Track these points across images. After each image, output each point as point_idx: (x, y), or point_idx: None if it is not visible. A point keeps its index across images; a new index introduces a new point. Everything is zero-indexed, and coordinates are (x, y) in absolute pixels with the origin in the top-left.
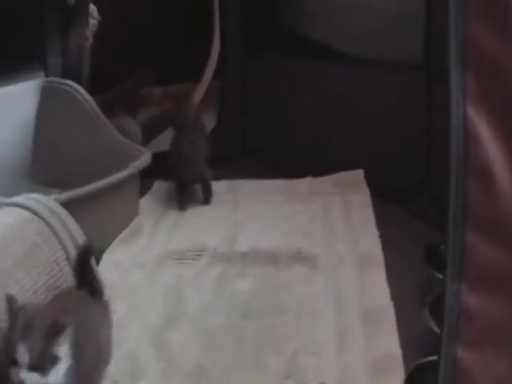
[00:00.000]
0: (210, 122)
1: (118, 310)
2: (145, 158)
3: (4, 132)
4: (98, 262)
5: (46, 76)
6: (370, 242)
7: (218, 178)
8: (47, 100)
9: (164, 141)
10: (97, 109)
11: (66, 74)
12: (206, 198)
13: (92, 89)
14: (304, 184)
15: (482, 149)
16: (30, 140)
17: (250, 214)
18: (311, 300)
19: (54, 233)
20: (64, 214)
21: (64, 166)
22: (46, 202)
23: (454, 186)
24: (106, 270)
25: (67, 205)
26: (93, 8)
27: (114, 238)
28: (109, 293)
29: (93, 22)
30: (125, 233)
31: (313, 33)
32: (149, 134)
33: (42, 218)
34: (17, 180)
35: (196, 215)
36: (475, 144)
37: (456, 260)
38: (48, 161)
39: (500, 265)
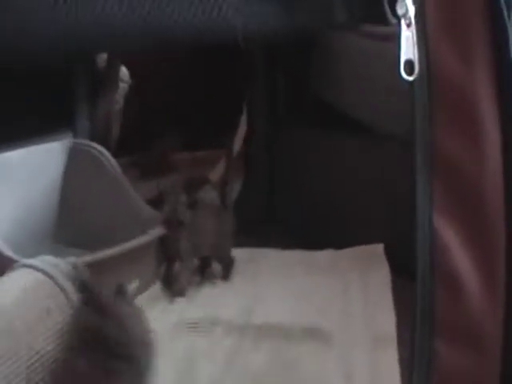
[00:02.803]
0: (236, 186)
1: None
2: None
3: (30, 191)
4: None
5: (74, 138)
6: (386, 322)
7: (240, 244)
8: (73, 161)
9: None
10: (120, 173)
11: (93, 136)
12: (226, 275)
13: (121, 150)
14: (324, 257)
15: (450, 258)
16: (55, 200)
17: (269, 286)
18: (322, 379)
19: (67, 297)
20: (79, 278)
21: (87, 227)
22: (60, 265)
23: (420, 294)
24: None
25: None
26: (124, 72)
27: None
28: None
29: (123, 86)
30: (141, 298)
31: (345, 108)
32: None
33: (56, 283)
34: (41, 240)
35: (213, 284)
36: (443, 253)
37: (423, 368)
38: (72, 222)
39: (471, 373)
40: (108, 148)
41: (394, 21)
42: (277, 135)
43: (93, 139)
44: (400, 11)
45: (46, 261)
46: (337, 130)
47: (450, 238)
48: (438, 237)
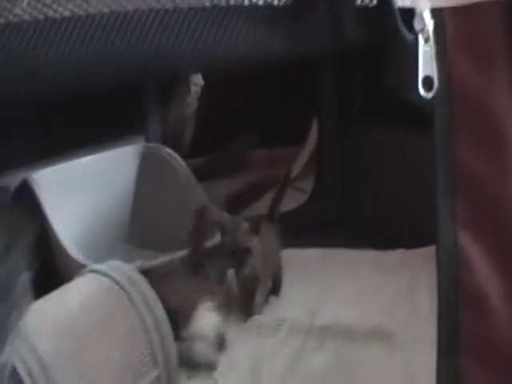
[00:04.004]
0: (308, 185)
1: None
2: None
3: (104, 195)
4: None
5: (147, 142)
6: None
7: (310, 244)
8: (145, 165)
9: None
10: (191, 176)
11: (166, 140)
12: (276, 290)
13: (196, 151)
14: (394, 256)
15: (475, 275)
16: (128, 203)
17: (337, 286)
18: (385, 381)
19: (132, 303)
20: (144, 284)
21: (159, 229)
22: (127, 270)
23: (444, 313)
24: None
25: (151, 272)
26: (195, 75)
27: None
28: None
29: (195, 89)
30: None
31: (419, 102)
32: (249, 198)
33: (122, 287)
34: (115, 242)
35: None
36: (467, 271)
37: None
38: (145, 224)
39: None
40: (181, 150)
41: (409, 37)
42: (348, 133)
43: (165, 142)
44: (418, 26)
45: (112, 266)
46: (411, 126)
47: (475, 254)
48: (462, 253)
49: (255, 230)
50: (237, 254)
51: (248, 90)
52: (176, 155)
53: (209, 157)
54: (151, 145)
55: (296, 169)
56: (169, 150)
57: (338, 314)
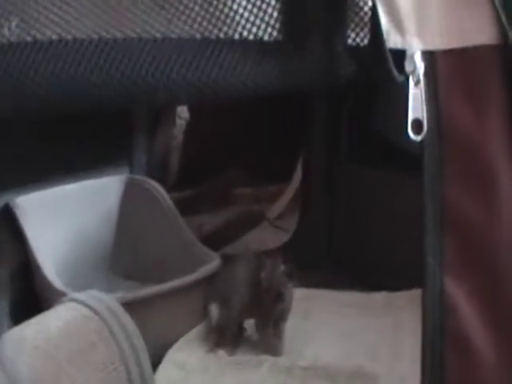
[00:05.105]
0: (292, 224)
1: None
2: (214, 264)
3: (88, 223)
4: (159, 361)
5: (131, 172)
6: None
7: (295, 284)
8: (129, 196)
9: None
10: (174, 209)
11: (150, 171)
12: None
13: (181, 184)
14: (379, 298)
15: (461, 321)
16: (112, 233)
17: (320, 327)
18: None
19: (112, 333)
20: (123, 315)
21: (142, 260)
22: (107, 301)
23: (429, 358)
24: (169, 368)
25: (131, 304)
26: (181, 108)
27: (175, 342)
28: None
29: (180, 122)
30: (192, 333)
31: (406, 145)
32: (231, 234)
33: (101, 318)
34: (98, 270)
35: None
36: (453, 316)
37: None
38: (127, 254)
39: None
40: (165, 182)
41: (400, 78)
42: (336, 172)
43: (150, 174)
44: (408, 68)
45: (92, 296)
46: (397, 169)
47: (461, 299)
48: (447, 298)
49: (289, 275)
50: (270, 295)
51: (234, 125)
52: (160, 187)
53: (193, 190)
54: (136, 176)
55: (279, 207)
56: (153, 182)
57: (321, 355)
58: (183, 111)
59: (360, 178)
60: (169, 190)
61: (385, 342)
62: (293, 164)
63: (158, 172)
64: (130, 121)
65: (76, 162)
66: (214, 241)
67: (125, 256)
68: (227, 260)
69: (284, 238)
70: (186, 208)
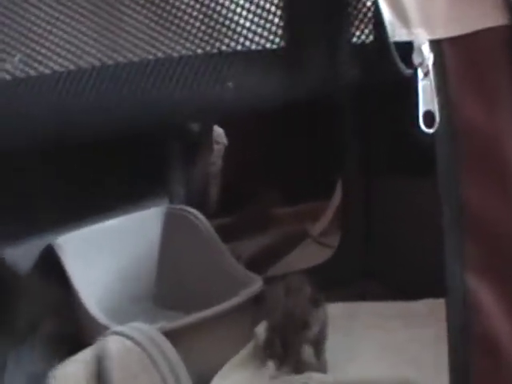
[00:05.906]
0: (336, 240)
1: None
2: (256, 287)
3: (129, 257)
4: None
5: (171, 202)
6: None
7: (336, 299)
8: (169, 226)
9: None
10: (215, 236)
11: (190, 200)
12: None
13: (221, 210)
14: (422, 307)
15: (485, 317)
16: (153, 264)
17: (363, 341)
18: None
19: (153, 362)
20: (165, 343)
21: (184, 290)
22: (148, 331)
23: (453, 363)
24: None
25: (173, 333)
26: (218, 133)
27: (220, 368)
28: None
29: (218, 148)
30: (236, 359)
31: None
32: (274, 255)
33: (143, 348)
34: (141, 303)
35: None
36: (477, 313)
37: None
38: (170, 285)
39: None
40: (205, 210)
41: (407, 71)
42: (374, 186)
43: (189, 202)
44: (416, 60)
45: (133, 327)
46: (432, 178)
47: (486, 298)
48: (472, 298)
49: (315, 302)
50: (295, 324)
51: (271, 146)
52: (200, 215)
53: (233, 216)
54: (175, 206)
55: (322, 224)
56: (193, 211)
57: (364, 369)
58: (220, 136)
59: (396, 189)
60: (209, 218)
61: (428, 353)
62: (333, 179)
63: (198, 200)
64: (167, 150)
65: (115, 198)
66: (256, 264)
67: (168, 286)
68: (272, 281)
69: (329, 254)
70: (227, 235)
